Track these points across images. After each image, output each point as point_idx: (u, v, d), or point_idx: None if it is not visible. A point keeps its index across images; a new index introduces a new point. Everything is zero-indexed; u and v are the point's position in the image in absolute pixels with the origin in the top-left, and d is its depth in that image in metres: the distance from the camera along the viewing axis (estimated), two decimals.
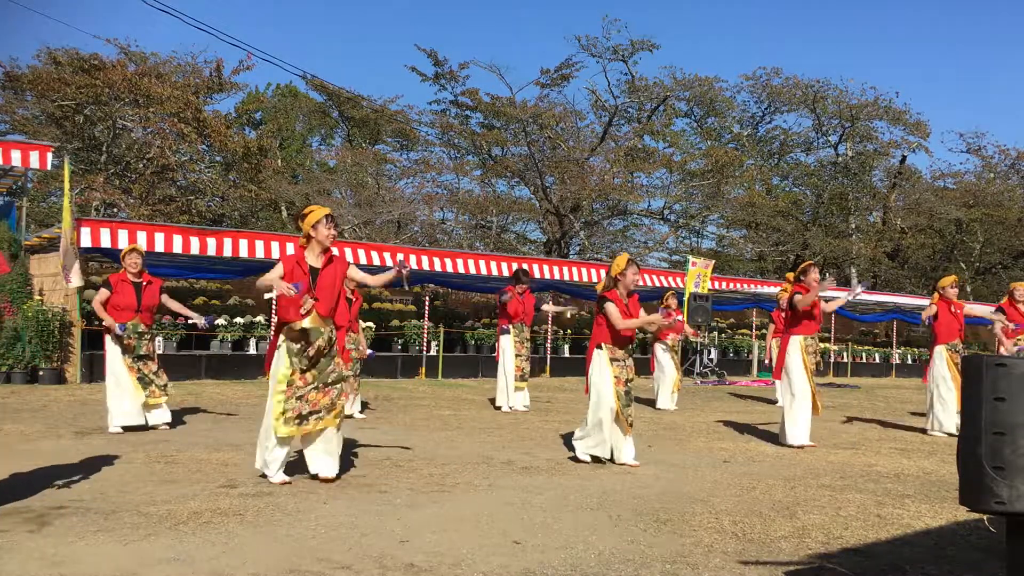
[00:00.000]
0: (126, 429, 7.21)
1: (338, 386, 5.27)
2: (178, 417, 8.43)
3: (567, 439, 7.48)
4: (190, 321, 8.11)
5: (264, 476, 5.20)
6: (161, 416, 7.53)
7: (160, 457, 5.98)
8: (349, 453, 6.14)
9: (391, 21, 65.28)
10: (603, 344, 6.24)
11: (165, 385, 7.54)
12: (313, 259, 5.21)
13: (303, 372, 5.13)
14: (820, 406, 7.72)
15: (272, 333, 5.33)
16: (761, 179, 31.00)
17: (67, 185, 11.25)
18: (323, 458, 5.22)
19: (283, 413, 5.07)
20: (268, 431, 5.13)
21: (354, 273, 5.53)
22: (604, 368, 6.22)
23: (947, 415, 8.83)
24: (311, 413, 5.14)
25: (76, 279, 11.07)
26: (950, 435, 8.68)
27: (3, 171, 13.01)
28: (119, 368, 7.32)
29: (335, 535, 3.99)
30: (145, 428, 7.34)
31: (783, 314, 9.93)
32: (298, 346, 5.12)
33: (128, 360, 7.34)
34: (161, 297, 7.62)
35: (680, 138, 32.19)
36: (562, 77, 26.67)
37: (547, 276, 16.23)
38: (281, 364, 5.14)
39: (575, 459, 6.34)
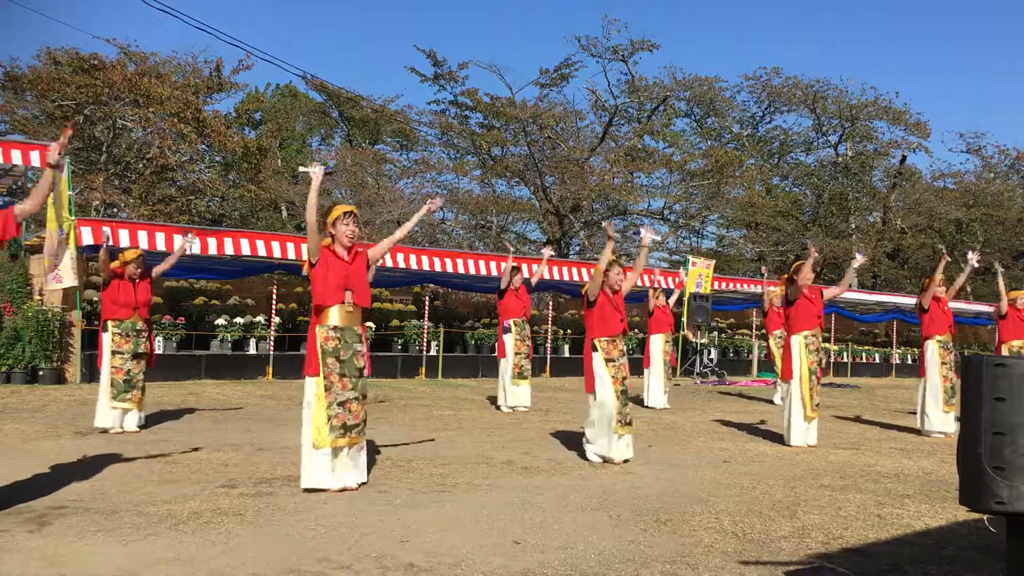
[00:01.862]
0: (101, 431, 7.16)
1: (367, 397, 5.26)
2: (177, 417, 8.44)
3: (567, 439, 7.49)
4: (187, 250, 7.99)
5: (319, 490, 4.93)
6: (135, 421, 7.38)
7: (160, 457, 5.98)
8: None
9: (391, 21, 65.31)
10: (598, 345, 6.31)
11: (144, 389, 7.50)
12: (342, 253, 5.16)
13: (341, 376, 5.00)
14: (812, 409, 7.61)
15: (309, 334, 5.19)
16: (761, 179, 30.99)
17: (48, 185, 11.21)
18: (352, 473, 5.08)
19: (327, 420, 4.90)
20: (307, 443, 4.93)
21: (376, 251, 5.45)
22: (601, 369, 6.29)
23: (937, 413, 8.85)
24: (353, 426, 5.00)
25: (68, 279, 11.09)
26: (941, 434, 8.73)
27: (3, 171, 13.01)
28: (105, 369, 7.31)
29: (335, 535, 3.99)
30: (122, 432, 7.23)
31: (778, 311, 9.95)
32: (332, 345, 5.02)
33: (119, 360, 7.30)
34: (152, 284, 7.68)
35: (680, 138, 32.18)
36: (561, 77, 26.66)
37: (547, 276, 16.22)
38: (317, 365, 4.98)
39: (583, 457, 6.36)
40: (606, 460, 6.29)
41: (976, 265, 9.24)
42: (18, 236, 4.48)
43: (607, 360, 6.30)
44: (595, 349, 6.32)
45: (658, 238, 6.91)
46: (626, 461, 6.32)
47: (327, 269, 5.05)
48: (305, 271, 5.17)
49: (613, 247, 6.47)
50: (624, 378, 6.34)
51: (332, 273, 5.05)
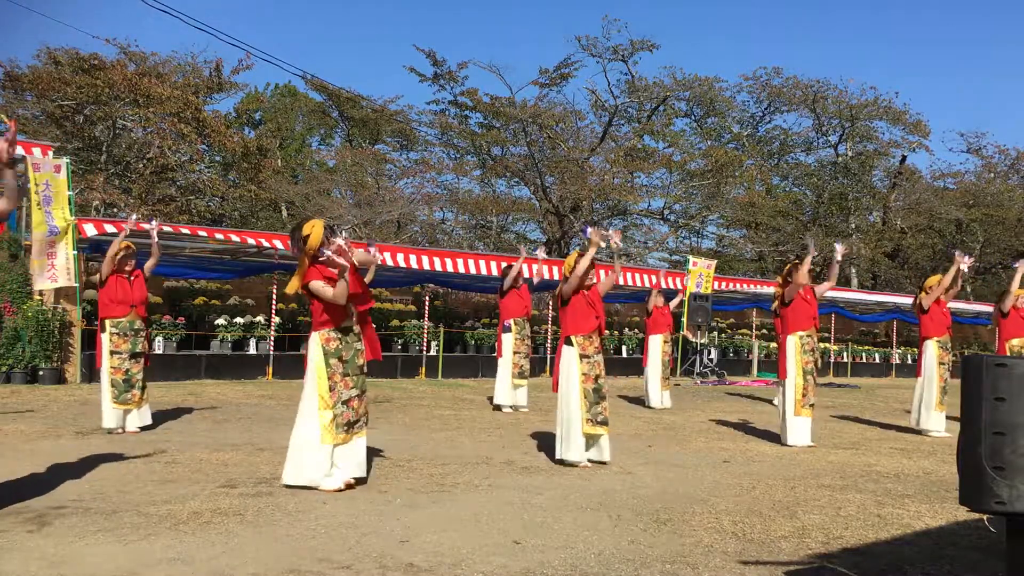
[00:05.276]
0: (108, 431, 7.14)
1: (367, 394, 5.26)
2: (177, 417, 8.43)
3: None
4: (153, 231, 7.77)
5: (312, 488, 4.94)
6: (138, 420, 7.36)
7: (160, 457, 5.98)
8: None
9: (391, 21, 65.33)
10: (573, 340, 6.19)
11: (145, 387, 7.46)
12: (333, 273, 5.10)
13: (344, 376, 5.04)
14: (803, 407, 7.59)
15: (308, 341, 5.18)
16: (761, 179, 30.99)
17: (32, 186, 11.23)
18: (351, 465, 5.10)
19: (333, 419, 4.96)
20: (310, 441, 4.95)
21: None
22: (572, 366, 6.15)
23: (930, 412, 8.88)
24: (355, 421, 5.07)
25: (63, 278, 11.09)
26: (927, 433, 8.80)
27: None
28: (104, 369, 7.28)
29: (335, 535, 3.99)
30: (123, 431, 7.21)
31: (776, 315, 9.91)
32: (335, 346, 5.04)
33: (116, 360, 7.27)
34: (146, 281, 7.63)
35: (680, 138, 32.16)
36: (561, 77, 26.67)
37: (547, 276, 16.23)
38: (316, 366, 5.02)
39: (561, 462, 6.17)
40: (567, 463, 6.08)
41: (965, 270, 9.13)
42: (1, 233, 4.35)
43: (582, 356, 6.15)
44: (570, 344, 6.19)
45: (619, 244, 6.17)
46: (603, 463, 6.14)
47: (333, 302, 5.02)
48: (296, 290, 5.07)
49: (595, 253, 6.26)
50: (598, 376, 6.18)
51: (335, 304, 5.02)
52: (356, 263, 5.27)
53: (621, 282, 17.32)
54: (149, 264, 7.77)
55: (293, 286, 5.07)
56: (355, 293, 5.07)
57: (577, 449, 6.10)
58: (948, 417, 8.91)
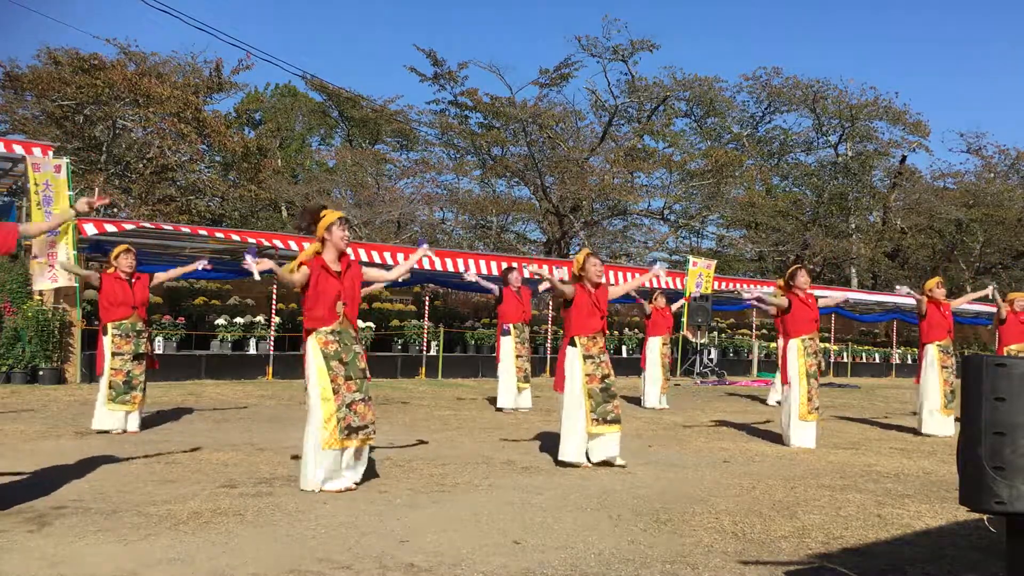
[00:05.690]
0: (99, 432, 7.10)
1: (372, 401, 5.25)
2: (177, 417, 8.44)
3: None
4: (199, 268, 7.70)
5: (319, 490, 4.93)
6: (135, 422, 7.34)
7: (160, 457, 5.98)
8: None
9: (390, 21, 65.35)
10: (576, 340, 6.11)
11: (144, 389, 7.44)
12: (333, 263, 5.10)
13: (346, 379, 5.00)
14: (810, 412, 7.58)
15: (305, 345, 5.19)
16: (761, 179, 30.99)
17: (32, 186, 11.25)
18: (350, 472, 5.09)
19: (336, 423, 4.92)
20: (315, 446, 4.92)
21: (369, 273, 5.47)
22: (575, 366, 6.07)
23: (930, 416, 8.88)
24: (360, 428, 5.01)
25: (63, 278, 11.11)
26: (929, 436, 8.81)
27: (3, 171, 13.00)
28: (105, 372, 7.24)
29: (335, 535, 3.99)
30: (124, 432, 7.19)
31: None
32: (334, 348, 5.01)
33: (119, 362, 7.24)
34: (151, 286, 7.57)
35: (680, 138, 32.17)
36: (561, 77, 26.68)
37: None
38: (316, 369, 4.99)
39: (561, 463, 6.13)
40: (566, 464, 6.02)
41: (991, 297, 9.31)
42: (13, 251, 4.42)
43: (586, 356, 6.07)
44: (573, 344, 6.11)
45: (663, 275, 6.42)
46: (608, 462, 6.07)
47: (317, 292, 5.01)
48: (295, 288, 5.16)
49: (556, 279, 6.21)
50: (605, 376, 6.09)
51: (324, 295, 5.03)
52: (366, 277, 5.36)
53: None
54: (164, 276, 7.70)
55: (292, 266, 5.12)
56: (345, 294, 5.09)
57: (577, 450, 6.06)
58: (957, 420, 8.88)
